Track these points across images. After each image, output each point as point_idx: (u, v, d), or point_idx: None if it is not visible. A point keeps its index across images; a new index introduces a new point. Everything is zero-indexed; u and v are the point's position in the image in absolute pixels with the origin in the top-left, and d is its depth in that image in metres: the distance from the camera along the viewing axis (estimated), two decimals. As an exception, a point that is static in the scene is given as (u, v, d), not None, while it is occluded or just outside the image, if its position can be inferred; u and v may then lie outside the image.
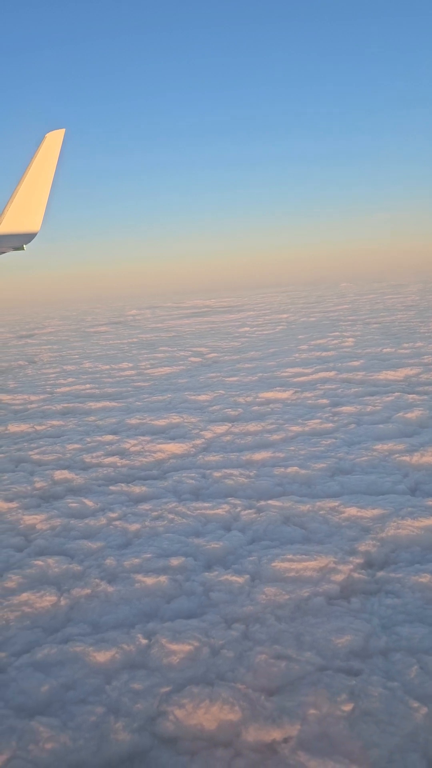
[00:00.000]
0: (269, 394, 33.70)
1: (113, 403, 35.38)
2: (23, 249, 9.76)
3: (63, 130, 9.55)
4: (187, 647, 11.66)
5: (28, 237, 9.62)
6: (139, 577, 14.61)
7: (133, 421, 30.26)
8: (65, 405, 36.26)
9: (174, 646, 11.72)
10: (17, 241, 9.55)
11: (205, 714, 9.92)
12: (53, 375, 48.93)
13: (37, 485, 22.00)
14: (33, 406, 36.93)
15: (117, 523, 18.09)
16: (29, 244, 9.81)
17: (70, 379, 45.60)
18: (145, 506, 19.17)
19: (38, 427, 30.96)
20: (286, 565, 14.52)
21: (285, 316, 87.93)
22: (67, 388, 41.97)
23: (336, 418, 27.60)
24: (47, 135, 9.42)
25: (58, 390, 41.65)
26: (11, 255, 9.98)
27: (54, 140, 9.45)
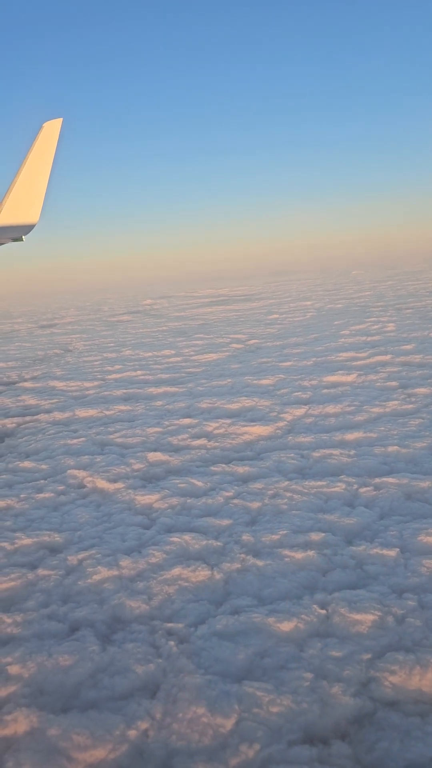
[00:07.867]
0: (333, 378, 33.75)
1: (174, 389, 35.42)
2: (22, 240, 9.59)
3: (60, 119, 9.31)
4: (370, 617, 11.80)
5: (27, 228, 9.45)
6: (286, 552, 14.75)
7: (204, 405, 30.32)
8: (124, 391, 36.31)
9: (356, 616, 11.86)
10: (16, 233, 9.39)
11: (421, 679, 10.05)
12: (97, 362, 48.96)
13: (135, 467, 22.10)
14: (91, 392, 36.99)
15: (236, 501, 18.21)
16: (28, 235, 9.69)
17: (117, 366, 45.63)
18: (256, 485, 19.28)
19: (107, 412, 31.03)
20: (433, 538, 14.64)
21: (309, 303, 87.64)
22: (118, 375, 42.01)
23: (414, 399, 27.65)
24: (45, 124, 9.20)
25: (109, 377, 41.71)
26: (10, 246, 9.88)
27: (51, 130, 9.25)
